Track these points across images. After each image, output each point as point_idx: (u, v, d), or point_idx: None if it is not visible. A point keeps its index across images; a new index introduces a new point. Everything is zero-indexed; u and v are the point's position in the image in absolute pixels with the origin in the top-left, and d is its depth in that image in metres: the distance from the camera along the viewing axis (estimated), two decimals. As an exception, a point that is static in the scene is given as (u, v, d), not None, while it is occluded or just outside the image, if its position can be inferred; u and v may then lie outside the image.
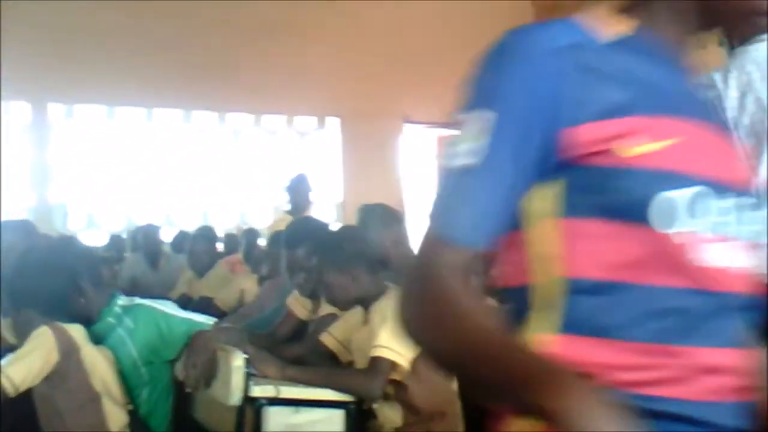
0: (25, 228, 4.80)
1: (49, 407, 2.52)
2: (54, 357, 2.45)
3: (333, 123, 9.03)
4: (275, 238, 3.97)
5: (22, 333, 2.52)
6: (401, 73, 8.98)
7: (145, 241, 6.12)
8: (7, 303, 2.63)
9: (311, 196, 5.80)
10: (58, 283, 2.60)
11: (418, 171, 10.19)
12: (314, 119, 8.98)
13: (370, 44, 8.78)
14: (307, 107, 8.80)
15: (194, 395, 2.74)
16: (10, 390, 2.37)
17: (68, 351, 2.48)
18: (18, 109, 7.44)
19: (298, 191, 5.74)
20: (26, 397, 2.49)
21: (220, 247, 5.86)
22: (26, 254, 2.81)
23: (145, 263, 6.08)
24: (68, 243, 2.98)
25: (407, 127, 9.55)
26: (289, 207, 5.68)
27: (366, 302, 2.70)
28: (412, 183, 9.81)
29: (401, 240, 3.74)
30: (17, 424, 2.57)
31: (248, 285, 4.56)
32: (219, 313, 4.34)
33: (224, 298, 4.69)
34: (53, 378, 2.47)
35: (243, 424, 2.39)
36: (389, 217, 5.75)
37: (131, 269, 6.10)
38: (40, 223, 7.09)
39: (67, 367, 2.47)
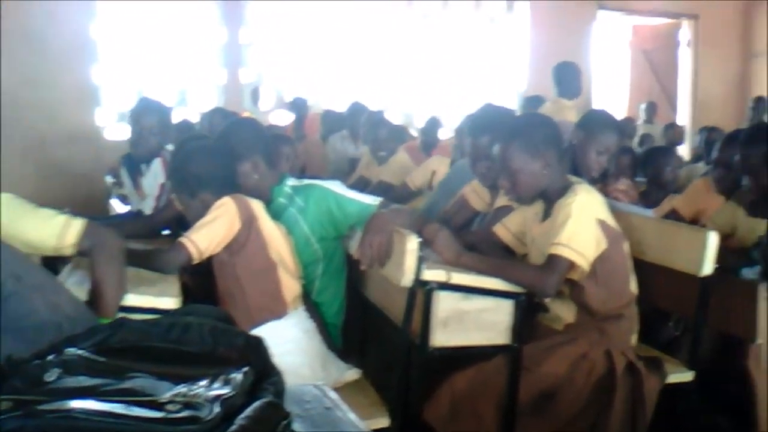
0: (221, 113, 4.96)
1: (227, 273, 2.59)
2: (236, 225, 2.52)
3: (522, 7, 8.63)
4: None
5: (198, 216, 2.58)
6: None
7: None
8: (181, 190, 2.70)
9: (580, 83, 5.68)
10: (224, 164, 2.67)
11: (610, 61, 9.64)
12: (503, 4, 8.62)
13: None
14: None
15: (367, 274, 2.76)
16: (195, 255, 2.47)
17: (249, 220, 2.54)
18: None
19: (564, 79, 5.61)
20: (207, 263, 2.58)
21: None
22: (189, 141, 2.80)
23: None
24: (241, 123, 3.00)
25: (601, 14, 8.99)
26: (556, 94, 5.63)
27: (548, 196, 2.57)
28: (603, 73, 9.30)
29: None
30: (196, 288, 2.69)
31: (441, 168, 4.49)
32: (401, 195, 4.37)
33: (415, 178, 4.66)
34: (233, 245, 2.54)
35: (413, 306, 2.37)
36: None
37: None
38: (230, 102, 7.41)
39: (247, 235, 2.54)
